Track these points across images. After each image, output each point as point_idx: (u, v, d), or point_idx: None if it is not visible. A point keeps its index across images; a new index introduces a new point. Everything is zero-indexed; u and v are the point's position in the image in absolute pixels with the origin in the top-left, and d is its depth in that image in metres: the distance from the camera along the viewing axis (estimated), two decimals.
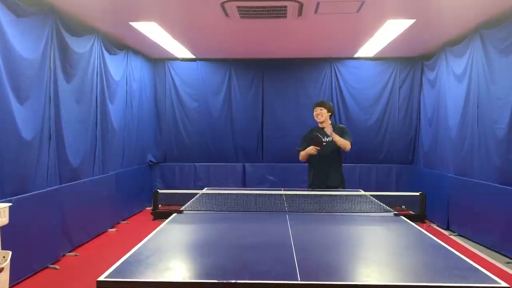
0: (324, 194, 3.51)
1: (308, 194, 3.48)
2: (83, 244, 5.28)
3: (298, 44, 6.82)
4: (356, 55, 7.67)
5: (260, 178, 8.08)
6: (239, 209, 3.20)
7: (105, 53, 5.98)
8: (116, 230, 6.12)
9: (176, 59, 7.98)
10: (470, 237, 5.61)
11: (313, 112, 4.83)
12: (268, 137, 8.13)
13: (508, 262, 4.61)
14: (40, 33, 4.34)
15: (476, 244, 5.35)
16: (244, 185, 8.06)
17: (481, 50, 5.33)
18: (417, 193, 3.13)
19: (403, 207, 7.78)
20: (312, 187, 4.73)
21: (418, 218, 3.05)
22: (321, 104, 4.80)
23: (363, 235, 2.66)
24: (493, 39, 5.08)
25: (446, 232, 6.05)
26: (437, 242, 2.37)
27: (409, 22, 5.27)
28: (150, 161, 8.01)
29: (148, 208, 7.78)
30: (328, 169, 4.67)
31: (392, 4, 4.73)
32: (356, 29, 5.80)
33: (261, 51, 7.38)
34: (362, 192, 3.82)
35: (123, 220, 6.63)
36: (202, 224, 2.87)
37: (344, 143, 4.57)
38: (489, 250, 5.06)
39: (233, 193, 3.52)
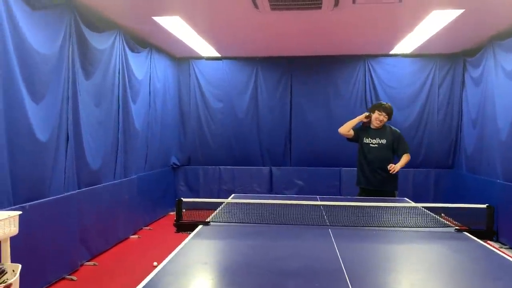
0: (370, 206, 3.07)
1: (350, 205, 3.04)
2: (102, 253, 4.98)
3: (331, 40, 6.38)
4: (392, 52, 7.18)
5: (287, 183, 7.67)
6: (272, 221, 2.80)
7: (128, 50, 5.68)
8: (138, 237, 5.81)
9: (201, 58, 7.65)
10: None
11: (370, 111, 4.80)
12: (296, 140, 7.70)
13: None
14: (57, 27, 4.05)
15: None
16: (271, 189, 7.67)
17: None
18: (483, 206, 2.66)
19: (442, 214, 7.25)
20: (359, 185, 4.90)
21: (484, 235, 2.58)
22: (385, 109, 4.67)
23: (428, 258, 2.21)
24: None
25: (496, 245, 5.50)
26: None
27: (457, 12, 4.77)
28: (174, 163, 7.71)
29: (171, 213, 7.48)
30: (381, 172, 4.61)
31: None
32: (396, 22, 5.32)
33: (290, 48, 6.97)
34: (413, 204, 3.36)
35: (146, 226, 6.33)
36: (232, 240, 2.48)
37: (406, 162, 4.57)
38: None
39: (263, 203, 3.12)
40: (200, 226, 2.69)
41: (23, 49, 3.54)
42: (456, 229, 2.67)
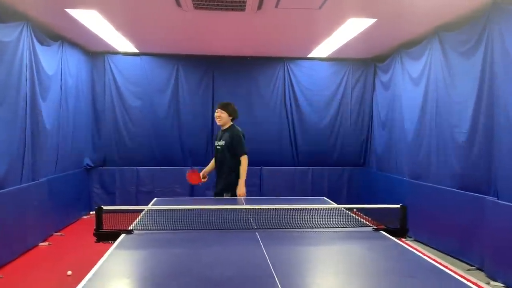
0: (294, 208, 3.15)
1: (276, 208, 3.09)
2: (8, 264, 4.54)
3: (252, 41, 6.45)
4: (309, 55, 7.45)
5: (209, 182, 7.58)
6: (197, 226, 2.75)
7: (36, 43, 5.24)
8: (49, 244, 5.39)
9: (117, 53, 7.30)
10: (426, 242, 5.53)
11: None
12: None
13: (469, 269, 4.54)
14: None
15: (433, 250, 5.28)
16: (192, 190, 7.56)
17: (440, 53, 5.25)
18: (397, 206, 2.86)
19: (356, 211, 7.70)
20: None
21: (398, 233, 2.78)
22: (222, 107, 4.68)
23: (350, 258, 2.32)
24: (453, 42, 5.01)
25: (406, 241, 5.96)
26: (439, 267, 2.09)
27: (371, 21, 5.08)
28: (87, 165, 7.28)
29: (85, 217, 7.08)
30: (220, 174, 4.65)
31: (355, 2, 4.49)
32: (315, 27, 5.52)
33: (212, 47, 6.92)
34: (335, 205, 3.50)
35: (57, 232, 5.89)
36: (157, 249, 2.39)
37: (244, 170, 4.50)
38: (448, 257, 4.99)
39: (187, 208, 3.05)
40: (122, 235, 2.56)
41: None
42: (373, 228, 2.84)
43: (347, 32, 5.64)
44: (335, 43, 6.38)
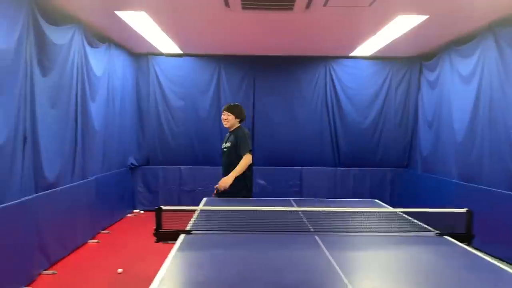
0: (351, 211, 3.07)
1: (333, 211, 3.03)
2: (61, 260, 4.68)
3: (296, 41, 6.39)
4: (352, 54, 7.31)
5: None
6: (254, 228, 2.72)
7: (86, 45, 5.37)
8: (98, 242, 5.52)
9: (161, 54, 7.40)
10: (479, 247, 5.31)
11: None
12: (259, 139, 7.66)
13: None
14: (13, 20, 3.73)
15: (487, 256, 5.05)
16: None
17: (494, 50, 5.03)
18: (463, 210, 2.74)
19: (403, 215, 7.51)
20: None
21: (464, 239, 2.66)
22: (228, 109, 4.56)
23: (424, 265, 2.18)
24: (509, 37, 4.78)
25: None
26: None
27: (421, 18, 4.92)
28: (132, 164, 7.42)
29: (129, 215, 7.21)
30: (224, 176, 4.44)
31: None
32: (361, 25, 5.41)
33: (254, 47, 6.91)
34: (391, 209, 3.40)
35: (104, 230, 6.03)
36: (221, 251, 2.36)
37: (241, 168, 4.27)
38: (504, 263, 4.77)
39: (242, 209, 3.03)
40: (182, 236, 2.56)
41: None
42: (436, 233, 2.73)
43: (395, 29, 5.49)
44: (380, 41, 6.23)
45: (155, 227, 2.65)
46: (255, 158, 7.67)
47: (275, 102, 7.62)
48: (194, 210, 3.25)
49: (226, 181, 4.26)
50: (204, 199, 4.07)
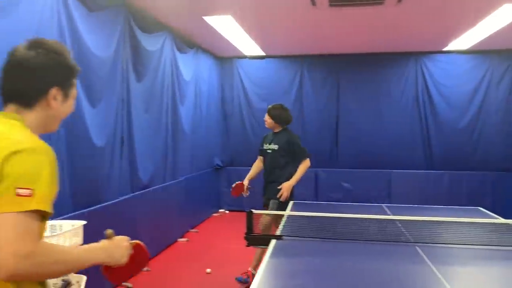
0: (454, 221, 2.80)
1: (435, 220, 2.78)
2: (154, 257, 4.89)
3: (384, 37, 6.08)
4: (446, 49, 6.80)
5: (334, 186, 7.41)
6: (347, 236, 2.57)
7: (176, 51, 5.58)
8: (187, 240, 5.71)
9: (244, 57, 7.49)
10: None
11: None
12: (344, 140, 7.43)
13: None
14: (112, 29, 3.97)
15: None
16: (316, 193, 7.44)
17: None
18: None
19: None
20: None
21: None
22: (268, 111, 4.42)
23: None
24: None
25: None
26: None
27: None
28: (217, 165, 7.60)
29: (215, 215, 7.38)
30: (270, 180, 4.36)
31: None
32: (459, 16, 4.98)
33: (338, 45, 6.71)
34: (501, 219, 3.06)
35: (192, 229, 6.23)
36: (316, 260, 2.26)
37: (301, 172, 4.25)
38: None
39: (332, 216, 2.90)
40: (274, 242, 2.51)
41: (81, 52, 3.46)
42: None
43: (498, 20, 4.98)
44: (479, 33, 5.71)
45: (246, 231, 2.62)
46: (341, 160, 7.51)
47: (361, 102, 7.34)
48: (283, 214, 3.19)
49: (288, 189, 4.18)
50: (291, 203, 3.99)
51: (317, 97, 7.47)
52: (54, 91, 1.26)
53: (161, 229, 5.10)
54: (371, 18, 4.98)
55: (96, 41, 3.66)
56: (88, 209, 3.45)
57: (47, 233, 2.78)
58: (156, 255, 4.96)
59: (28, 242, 1.02)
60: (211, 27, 5.39)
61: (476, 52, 6.84)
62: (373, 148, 7.29)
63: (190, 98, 6.14)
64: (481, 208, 3.71)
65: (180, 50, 5.75)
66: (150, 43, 4.81)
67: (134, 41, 4.43)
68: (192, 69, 6.19)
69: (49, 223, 2.84)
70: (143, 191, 4.64)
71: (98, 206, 3.65)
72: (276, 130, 4.37)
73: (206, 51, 6.85)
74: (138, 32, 4.51)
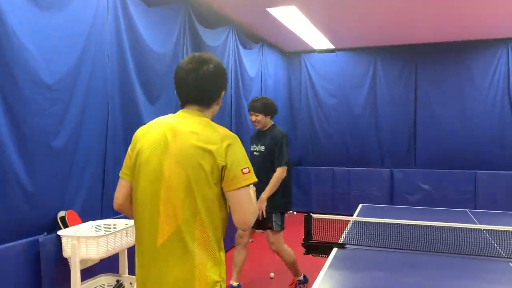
0: None
1: None
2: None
3: (466, 22, 5.45)
4: None
5: (411, 187, 6.83)
6: (421, 247, 2.21)
7: (240, 47, 5.43)
8: (252, 242, 5.51)
9: (313, 51, 7.17)
10: None
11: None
12: (422, 137, 6.82)
13: None
14: (172, 24, 3.89)
15: None
16: (391, 194, 6.92)
17: None
18: None
19: None
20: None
21: None
22: (253, 108, 3.52)
23: None
24: None
25: None
26: None
27: None
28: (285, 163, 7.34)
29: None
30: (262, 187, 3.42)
31: None
32: None
33: (415, 34, 6.15)
34: None
35: (257, 229, 6.03)
36: (385, 274, 1.94)
37: (273, 185, 3.39)
38: None
39: (400, 223, 2.52)
40: (335, 250, 2.22)
41: (139, 48, 3.40)
42: None
43: None
44: None
45: (304, 236, 2.36)
46: (420, 159, 6.91)
47: (442, 95, 6.68)
48: (348, 220, 2.87)
49: (261, 205, 3.39)
50: (360, 206, 3.65)
51: (393, 91, 6.94)
52: None
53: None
54: (452, 3, 4.44)
55: (155, 37, 3.59)
56: None
57: (101, 231, 2.74)
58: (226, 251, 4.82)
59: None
60: (276, 20, 5.17)
61: None
62: (456, 146, 6.61)
63: (255, 94, 5.95)
64: None
65: (245, 46, 5.60)
66: (212, 38, 4.69)
67: (195, 36, 4.33)
68: (257, 64, 6.01)
69: (104, 221, 2.80)
70: None
71: None
72: (266, 128, 3.62)
73: (272, 46, 6.64)
74: (200, 27, 4.40)
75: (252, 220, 1.48)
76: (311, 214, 2.40)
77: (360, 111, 7.10)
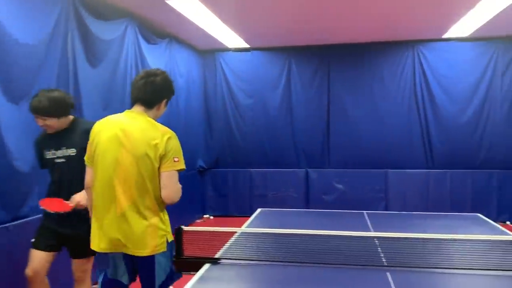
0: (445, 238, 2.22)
1: (422, 238, 2.21)
2: None
3: (374, 25, 5.52)
4: (445, 36, 6.20)
5: (326, 187, 6.84)
6: (307, 259, 2.02)
7: (142, 41, 5.05)
8: None
9: (228, 49, 6.94)
10: None
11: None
12: (335, 138, 6.84)
13: None
14: (46, 13, 3.42)
15: None
16: (307, 194, 6.87)
17: None
18: None
19: (508, 222, 6.25)
20: None
21: None
22: (41, 112, 2.58)
23: None
24: None
25: None
26: None
27: None
28: (201, 166, 7.05)
29: (198, 221, 6.85)
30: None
31: None
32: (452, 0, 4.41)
33: (328, 35, 6.15)
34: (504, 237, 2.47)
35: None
36: None
37: None
38: None
39: (291, 233, 2.34)
40: (207, 266, 1.96)
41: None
42: None
43: (496, 3, 4.40)
44: (479, 17, 5.11)
45: (174, 254, 2.08)
46: (334, 159, 6.92)
47: (354, 96, 6.74)
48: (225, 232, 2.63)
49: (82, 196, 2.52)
50: (258, 210, 3.44)
51: (307, 92, 6.90)
52: None
53: None
54: (362, 4, 4.41)
55: (21, 26, 3.12)
56: None
57: None
58: None
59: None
60: (181, 14, 4.86)
61: (478, 39, 6.24)
62: (368, 145, 6.70)
63: None
64: (481, 216, 3.13)
65: (148, 41, 5.22)
66: (105, 30, 4.27)
67: (83, 27, 3.89)
68: (165, 61, 5.64)
69: None
70: None
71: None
72: (66, 127, 2.73)
73: (182, 42, 6.30)
74: (88, 18, 3.97)
75: (175, 197, 2.12)
76: (181, 226, 2.12)
77: (276, 112, 6.99)
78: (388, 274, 1.85)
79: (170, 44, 5.81)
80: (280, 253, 2.08)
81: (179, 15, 4.87)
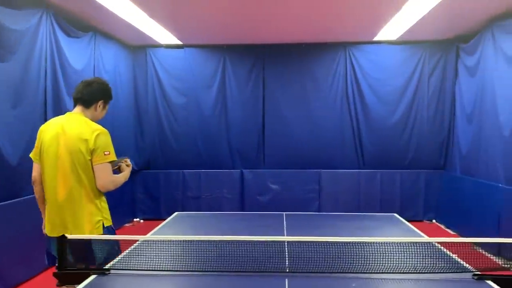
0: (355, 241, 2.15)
1: (321, 241, 2.13)
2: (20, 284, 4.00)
3: (309, 25, 5.50)
4: (375, 39, 6.33)
5: (261, 188, 6.78)
6: (210, 266, 1.88)
7: (60, 34, 4.69)
8: None
9: (159, 46, 6.68)
10: None
11: None
12: (270, 138, 6.80)
13: None
14: None
15: None
16: (242, 195, 6.77)
17: None
18: None
19: (434, 221, 6.49)
20: None
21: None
22: None
23: None
24: None
25: (498, 260, 4.68)
26: None
27: None
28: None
29: (127, 225, 6.53)
30: None
31: None
32: (379, 3, 4.45)
33: (262, 34, 6.08)
34: (426, 238, 2.46)
35: None
36: None
37: None
38: None
39: (187, 239, 2.19)
40: (92, 277, 1.76)
41: None
42: (474, 274, 1.80)
43: (422, 4, 4.51)
44: (406, 21, 5.25)
45: (57, 264, 1.86)
46: (268, 159, 6.86)
47: (288, 97, 6.73)
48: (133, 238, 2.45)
49: None
50: (175, 214, 3.26)
51: (242, 92, 6.79)
52: None
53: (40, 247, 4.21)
54: (296, 4, 4.36)
55: None
56: None
57: None
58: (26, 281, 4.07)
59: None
60: (103, 7, 4.57)
61: (406, 42, 6.43)
62: (303, 146, 6.72)
63: None
64: (397, 216, 3.14)
65: (68, 34, 4.87)
66: (15, 19, 3.92)
67: None
68: (87, 56, 5.31)
69: None
70: (12, 201, 3.76)
71: None
72: None
73: (109, 37, 5.96)
74: None
75: (109, 187, 2.38)
76: (65, 235, 1.91)
77: (211, 112, 6.82)
78: (286, 280, 1.75)
79: (94, 39, 5.47)
80: (177, 261, 1.93)
81: (101, 8, 4.59)
